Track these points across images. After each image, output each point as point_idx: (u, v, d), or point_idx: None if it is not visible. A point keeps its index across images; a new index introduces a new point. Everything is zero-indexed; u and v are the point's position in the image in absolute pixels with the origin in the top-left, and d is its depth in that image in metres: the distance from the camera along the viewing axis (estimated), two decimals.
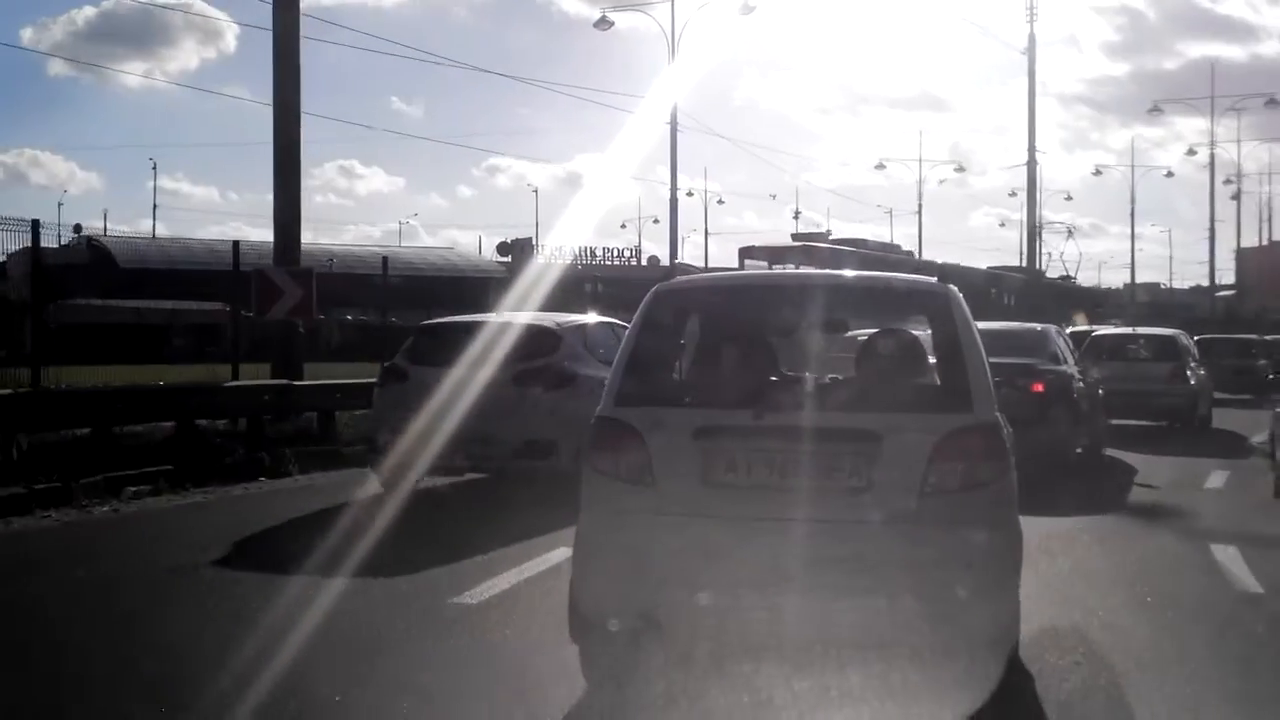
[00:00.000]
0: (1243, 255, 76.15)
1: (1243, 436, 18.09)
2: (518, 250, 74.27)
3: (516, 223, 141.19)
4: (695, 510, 4.72)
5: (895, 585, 4.52)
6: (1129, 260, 64.41)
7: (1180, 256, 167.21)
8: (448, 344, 10.74)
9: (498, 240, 74.87)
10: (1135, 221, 61.30)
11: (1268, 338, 31.35)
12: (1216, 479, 12.98)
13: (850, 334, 6.79)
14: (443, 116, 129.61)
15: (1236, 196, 63.96)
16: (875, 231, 62.36)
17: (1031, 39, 39.02)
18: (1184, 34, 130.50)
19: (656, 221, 79.60)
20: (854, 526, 4.61)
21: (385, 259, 18.53)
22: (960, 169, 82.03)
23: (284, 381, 14.36)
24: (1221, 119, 57.30)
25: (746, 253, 26.45)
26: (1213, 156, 58.61)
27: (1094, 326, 22.47)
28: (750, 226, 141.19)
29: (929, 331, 5.49)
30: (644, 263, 71.64)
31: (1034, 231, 39.49)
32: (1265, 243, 74.78)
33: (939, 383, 5.25)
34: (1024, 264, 38.71)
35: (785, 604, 4.56)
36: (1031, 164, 38.52)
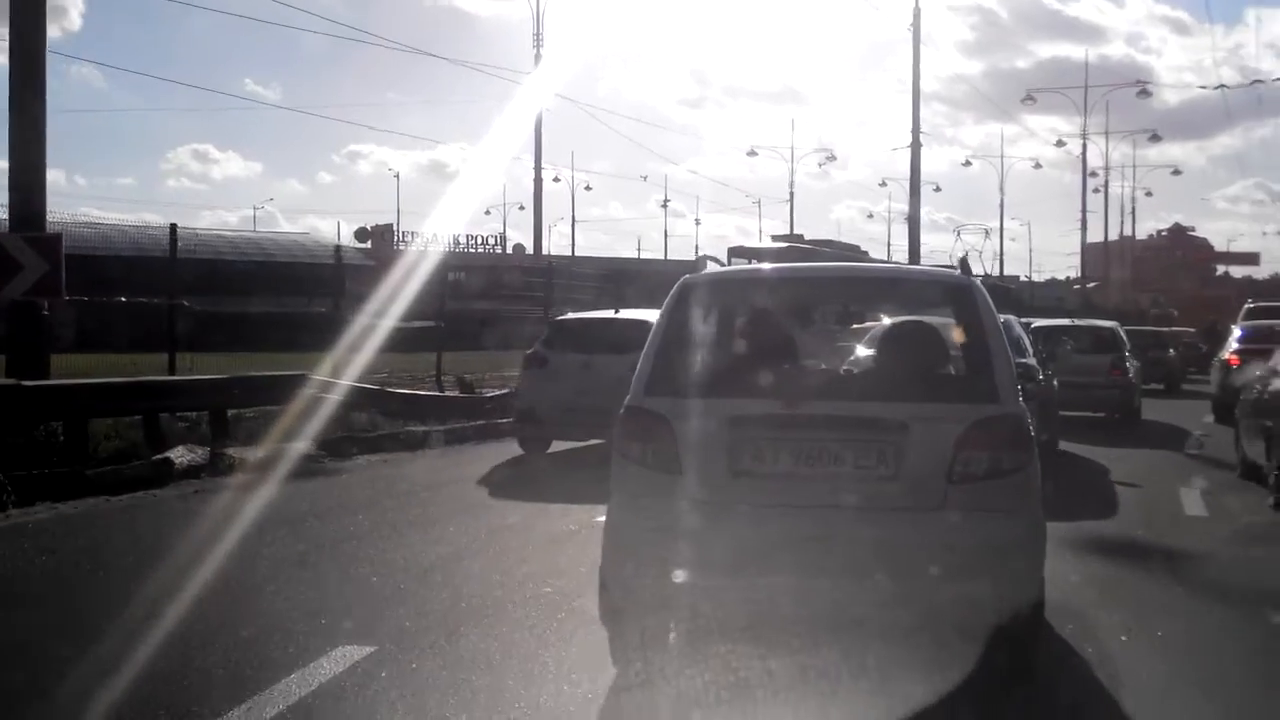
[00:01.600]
0: (1092, 249, 76.54)
1: (1177, 427, 17.01)
2: (377, 237, 70.84)
3: (379, 209, 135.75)
4: (722, 498, 4.74)
5: (919, 572, 4.53)
6: (992, 254, 63.48)
7: (1037, 249, 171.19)
8: (576, 335, 13.21)
9: (357, 227, 71.54)
10: (993, 215, 60.73)
11: (1176, 329, 31.50)
12: (1196, 500, 10.45)
13: (857, 325, 6.87)
14: (302, 101, 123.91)
15: (1100, 190, 64.12)
16: (741, 224, 60.46)
17: (916, 12, 36.82)
18: (1035, 34, 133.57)
19: (522, 208, 77.43)
20: (880, 514, 4.65)
21: (173, 226, 14.74)
22: (832, 157, 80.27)
23: (12, 382, 10.85)
24: (1074, 117, 57.10)
25: (735, 252, 28.00)
26: (1085, 146, 57.92)
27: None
28: (615, 215, 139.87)
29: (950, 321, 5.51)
30: (509, 250, 68.83)
31: (917, 218, 37.34)
32: (1120, 236, 75.32)
33: (963, 372, 5.26)
34: (910, 256, 36.53)
35: (809, 591, 4.58)
36: (915, 145, 36.39)
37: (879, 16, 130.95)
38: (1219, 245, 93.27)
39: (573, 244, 72.11)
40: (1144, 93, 56.08)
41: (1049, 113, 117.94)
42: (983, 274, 34.12)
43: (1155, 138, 58.19)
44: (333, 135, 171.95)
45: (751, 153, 65.57)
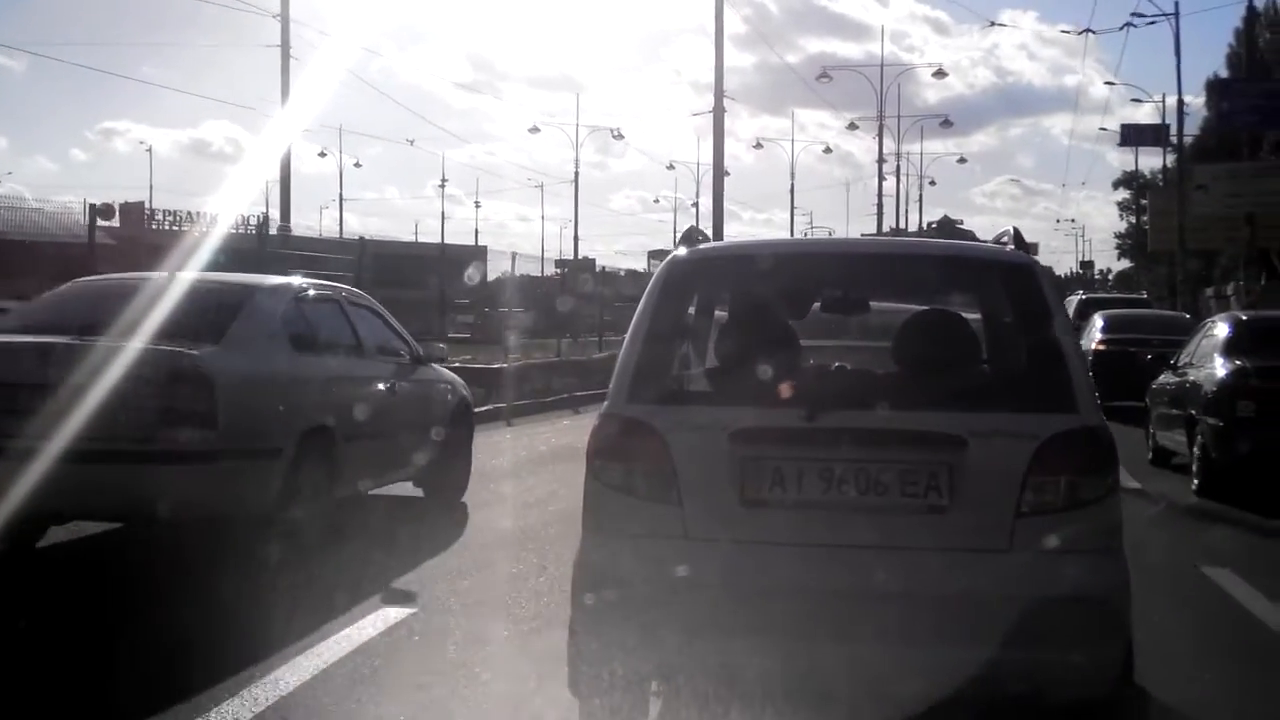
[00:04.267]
0: None
1: None
2: (125, 215, 64.57)
3: (137, 187, 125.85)
4: (730, 535, 3.90)
5: (985, 629, 3.68)
6: None
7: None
8: None
9: (101, 203, 64.70)
10: (768, 207, 60.29)
11: None
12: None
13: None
14: (51, 74, 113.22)
15: (886, 178, 64.42)
16: (521, 211, 57.38)
17: None
18: (803, 30, 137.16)
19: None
20: (933, 556, 3.82)
21: None
22: (620, 135, 76.89)
23: None
24: (843, 113, 57.61)
25: (656, 255, 25.01)
26: (881, 127, 57.43)
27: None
28: (391, 199, 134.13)
29: (979, 315, 5.07)
30: (273, 232, 63.53)
31: (720, 196, 34.65)
32: (894, 227, 76.23)
33: (1026, 374, 4.29)
34: (714, 235, 33.77)
35: (844, 654, 3.74)
36: (718, 110, 33.54)
37: (656, 7, 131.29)
38: (985, 237, 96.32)
39: (340, 225, 67.17)
40: (940, 73, 58.19)
41: (819, 108, 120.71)
42: None
43: (947, 123, 60.08)
44: (85, 111, 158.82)
45: (534, 129, 63.05)
